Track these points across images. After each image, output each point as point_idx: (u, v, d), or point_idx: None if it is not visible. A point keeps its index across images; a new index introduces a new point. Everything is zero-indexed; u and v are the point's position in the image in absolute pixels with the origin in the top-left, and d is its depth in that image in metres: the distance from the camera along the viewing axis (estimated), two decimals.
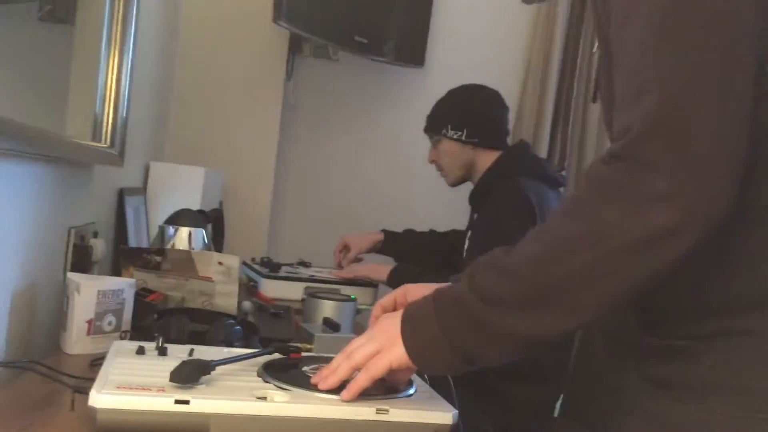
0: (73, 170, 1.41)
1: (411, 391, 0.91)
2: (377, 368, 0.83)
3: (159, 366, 0.88)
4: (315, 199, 2.84)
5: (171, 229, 1.61)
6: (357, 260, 2.22)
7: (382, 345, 0.84)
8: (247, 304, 1.67)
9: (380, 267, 2.05)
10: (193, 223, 1.61)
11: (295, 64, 2.76)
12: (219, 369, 0.90)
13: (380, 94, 2.85)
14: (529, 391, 1.85)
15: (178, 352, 0.97)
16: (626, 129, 0.72)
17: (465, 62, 2.83)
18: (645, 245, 0.70)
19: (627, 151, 0.72)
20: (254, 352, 0.96)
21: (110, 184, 1.73)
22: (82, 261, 1.41)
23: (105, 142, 1.48)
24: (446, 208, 2.42)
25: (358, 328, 1.46)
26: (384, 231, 2.25)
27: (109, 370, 0.86)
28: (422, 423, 0.84)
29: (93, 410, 0.77)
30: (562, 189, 2.05)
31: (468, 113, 2.01)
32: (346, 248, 2.24)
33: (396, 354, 0.82)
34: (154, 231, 1.84)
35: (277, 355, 0.99)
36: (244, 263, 2.19)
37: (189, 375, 0.82)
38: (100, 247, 1.50)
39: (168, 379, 0.82)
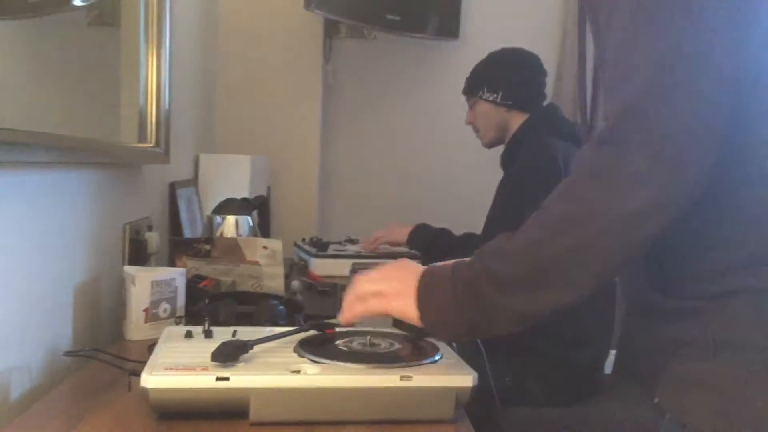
0: (124, 171, 1.51)
1: (437, 358, 0.97)
2: (375, 306, 0.92)
3: (204, 348, 0.97)
4: (361, 176, 2.91)
5: (218, 218, 1.71)
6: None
7: (394, 291, 0.91)
8: (295, 284, 1.76)
9: (400, 228, 2.12)
10: (239, 210, 1.70)
11: (332, 46, 2.82)
12: (258, 347, 0.98)
13: (418, 70, 2.89)
14: (576, 353, 1.88)
15: (223, 335, 1.05)
16: (609, 113, 0.77)
17: (500, 31, 2.83)
18: (628, 223, 0.75)
19: (609, 135, 0.77)
20: (290, 330, 1.04)
21: (161, 179, 1.84)
22: (138, 254, 1.52)
23: (151, 142, 1.58)
24: (487, 176, 2.44)
25: None
26: (415, 228, 2.23)
27: (159, 354, 0.95)
28: (444, 387, 0.90)
29: (145, 390, 0.86)
30: None
31: (503, 76, 2.03)
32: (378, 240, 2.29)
33: (400, 305, 0.90)
34: None
35: (313, 332, 1.07)
36: (295, 244, 2.29)
37: (228, 354, 0.90)
38: (154, 239, 1.60)
39: (210, 359, 0.90)
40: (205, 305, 1.33)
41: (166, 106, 1.62)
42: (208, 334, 1.05)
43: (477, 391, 1.44)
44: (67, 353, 1.09)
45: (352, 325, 1.01)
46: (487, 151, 2.18)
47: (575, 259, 0.78)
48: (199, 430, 0.86)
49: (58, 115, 1.20)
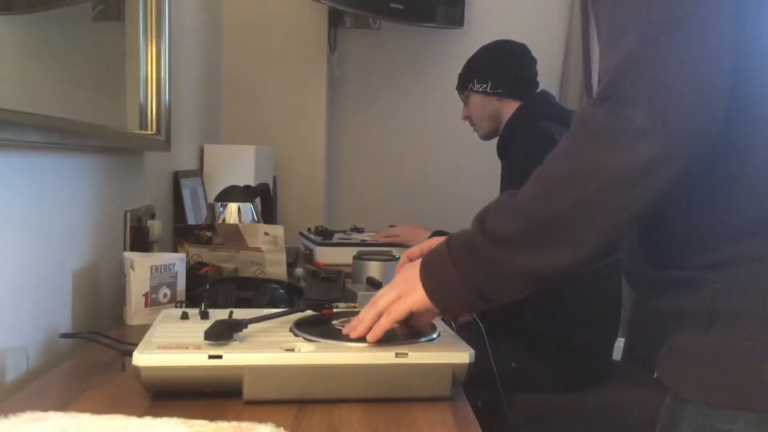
0: (125, 158, 1.51)
1: (434, 336, 0.96)
2: (398, 311, 0.90)
3: (199, 328, 0.96)
4: (367, 166, 2.91)
5: (220, 206, 1.70)
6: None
7: (402, 291, 0.90)
8: (299, 271, 1.76)
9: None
10: (241, 198, 1.69)
11: (337, 36, 2.81)
12: (254, 327, 0.97)
13: (423, 59, 2.88)
14: (583, 338, 1.86)
15: (219, 316, 1.04)
16: (607, 70, 0.75)
17: (505, 18, 2.82)
18: (628, 180, 0.73)
19: (608, 91, 0.75)
20: (286, 310, 1.03)
21: (164, 169, 1.84)
22: (140, 241, 1.51)
23: (151, 130, 1.57)
24: (494, 164, 2.43)
25: None
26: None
27: (153, 334, 0.94)
28: (439, 363, 0.89)
29: (137, 369, 0.85)
30: None
31: (492, 66, 2.05)
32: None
33: (416, 297, 0.88)
34: None
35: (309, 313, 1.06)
36: (300, 233, 2.28)
37: (221, 332, 0.90)
38: (157, 227, 1.60)
39: (204, 337, 0.89)
40: (205, 290, 1.33)
41: (167, 97, 1.62)
42: (204, 316, 1.05)
43: (481, 377, 1.43)
44: (63, 335, 1.09)
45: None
46: (492, 140, 2.17)
47: (578, 215, 0.76)
48: (192, 409, 0.85)
49: (64, 105, 1.20)
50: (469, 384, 0.94)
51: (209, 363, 0.86)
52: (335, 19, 2.75)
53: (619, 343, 2.10)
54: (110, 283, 1.38)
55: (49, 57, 1.19)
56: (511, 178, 1.95)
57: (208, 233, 1.55)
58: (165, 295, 1.31)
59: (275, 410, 0.85)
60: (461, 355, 0.90)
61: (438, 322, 1.04)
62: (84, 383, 0.94)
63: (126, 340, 1.09)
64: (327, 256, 2.02)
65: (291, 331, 0.97)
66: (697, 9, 0.72)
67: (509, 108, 2.02)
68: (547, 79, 2.25)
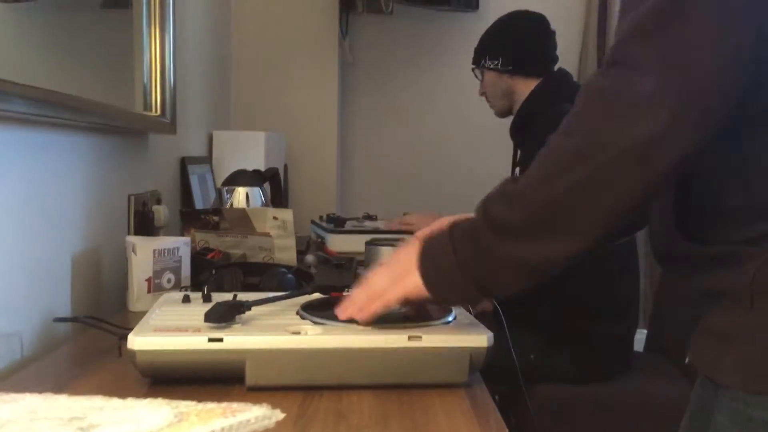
0: (128, 139, 1.46)
1: (449, 319, 0.90)
2: (391, 296, 0.82)
3: (201, 312, 0.90)
4: (382, 152, 2.85)
5: (227, 191, 1.65)
6: None
7: (397, 274, 0.83)
8: (310, 258, 1.70)
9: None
10: (249, 182, 1.64)
11: (349, 21, 2.75)
12: (259, 311, 0.92)
13: (437, 43, 2.81)
14: (604, 329, 1.79)
15: (222, 299, 0.99)
16: (619, 35, 0.69)
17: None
18: (642, 150, 0.66)
19: (619, 56, 0.69)
20: (293, 292, 0.97)
21: (171, 154, 1.79)
22: (144, 226, 1.46)
23: (155, 111, 1.52)
24: (510, 149, 2.36)
25: None
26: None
27: (151, 317, 0.89)
28: (457, 347, 0.83)
29: (132, 353, 0.80)
30: None
31: (502, 41, 1.97)
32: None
33: (410, 283, 0.81)
34: None
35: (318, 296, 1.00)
36: (312, 222, 2.23)
37: (223, 314, 0.84)
38: (163, 213, 1.55)
39: (204, 319, 0.84)
40: (211, 275, 1.28)
41: (171, 79, 1.57)
42: (207, 299, 0.99)
43: (498, 369, 1.37)
44: (57, 319, 1.04)
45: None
46: (508, 123, 2.10)
47: (585, 196, 0.69)
48: (191, 396, 0.79)
49: (72, 90, 1.16)
50: (486, 377, 0.88)
51: (209, 346, 0.80)
52: (347, 4, 2.69)
53: (641, 335, 2.04)
54: (113, 268, 1.33)
55: (59, 45, 1.18)
56: (526, 168, 1.88)
57: (215, 218, 1.50)
58: (169, 281, 1.25)
59: (280, 397, 0.79)
60: (479, 338, 0.84)
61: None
62: (78, 369, 0.89)
63: (127, 326, 1.04)
64: (339, 243, 1.96)
65: (298, 314, 0.91)
66: None
67: (524, 86, 1.94)
68: (565, 57, 2.16)
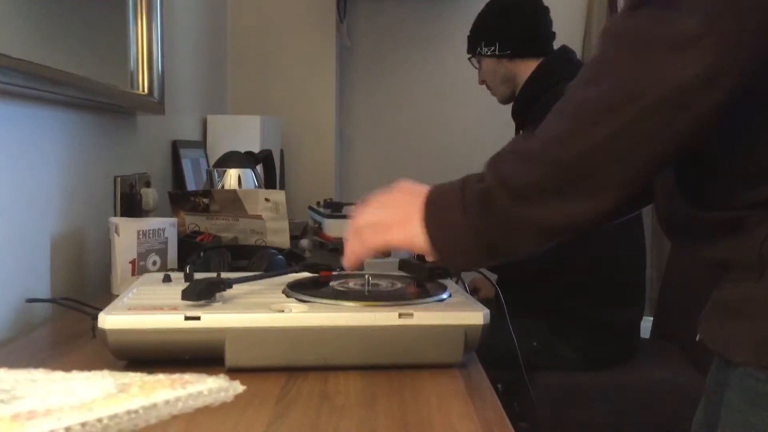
0: (116, 119, 1.41)
1: (443, 296, 0.85)
2: (393, 236, 0.76)
3: (181, 291, 0.86)
4: (381, 137, 2.79)
5: (218, 172, 1.60)
6: None
7: (395, 218, 0.76)
8: (304, 242, 1.65)
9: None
10: (241, 164, 1.58)
11: (347, 5, 2.69)
12: (242, 289, 0.87)
13: (437, 26, 2.75)
14: (609, 315, 1.74)
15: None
16: None
17: None
18: (677, 98, 0.60)
19: None
20: (278, 271, 0.92)
21: (161, 136, 1.73)
22: (131, 209, 1.41)
23: (142, 90, 1.47)
24: (510, 132, 2.31)
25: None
26: None
27: (127, 296, 0.84)
28: (450, 325, 0.78)
29: (103, 333, 0.75)
30: None
31: (495, 26, 1.91)
32: None
33: (408, 233, 0.74)
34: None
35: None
36: (310, 207, 2.18)
37: (201, 292, 0.79)
38: (152, 196, 1.50)
39: (181, 297, 0.79)
40: (198, 257, 1.23)
41: (159, 57, 1.52)
42: (189, 279, 0.94)
43: (500, 357, 1.32)
44: (30, 300, 0.99)
45: (359, 268, 0.85)
46: (508, 108, 2.04)
47: (616, 150, 0.63)
48: None
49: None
50: (488, 365, 0.82)
51: (186, 325, 0.75)
52: None
53: (647, 322, 1.98)
54: (97, 251, 1.28)
55: (51, 27, 1.14)
56: None
57: (205, 200, 1.45)
58: (154, 263, 1.20)
59: (261, 378, 0.74)
60: (475, 315, 0.78)
61: (449, 283, 0.92)
62: (50, 351, 0.84)
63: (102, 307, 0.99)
64: (336, 229, 1.90)
65: (284, 292, 0.86)
66: None
67: (525, 68, 1.88)
68: (568, 33, 2.10)
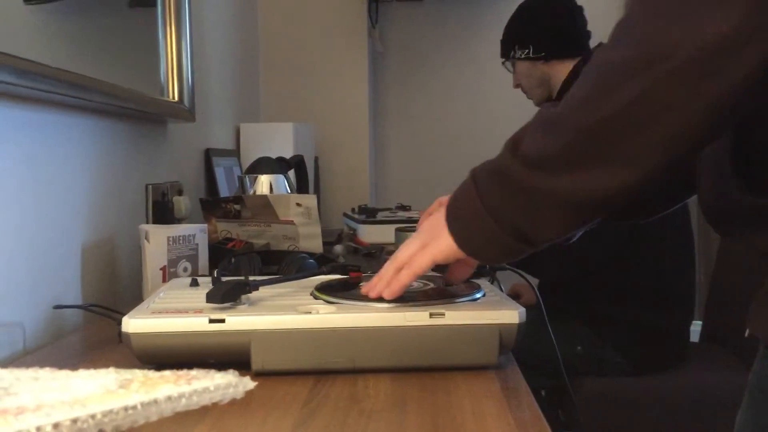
0: (146, 126, 1.41)
1: (477, 296, 0.81)
2: (420, 263, 0.74)
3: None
4: (416, 143, 2.77)
5: (249, 178, 1.59)
6: None
7: (426, 239, 0.75)
8: (338, 248, 1.63)
9: None
10: (273, 170, 1.57)
11: (379, 10, 2.68)
12: (270, 291, 0.85)
13: (469, 29, 2.71)
14: (657, 318, 1.68)
15: None
16: None
17: None
18: (708, 59, 0.55)
19: None
20: (306, 273, 0.90)
21: (193, 144, 1.73)
22: (163, 217, 1.41)
23: (173, 97, 1.47)
24: None
25: None
26: None
27: (153, 300, 0.82)
28: (484, 324, 0.74)
29: (127, 336, 0.73)
30: None
31: (529, 29, 1.87)
32: None
33: (440, 246, 0.72)
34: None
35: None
36: (344, 214, 2.16)
37: (226, 294, 0.77)
38: (184, 204, 1.49)
39: (206, 300, 0.77)
40: (229, 263, 1.21)
41: (188, 64, 1.52)
42: (216, 283, 0.92)
43: (544, 364, 1.27)
44: (57, 306, 0.98)
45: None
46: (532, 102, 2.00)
47: (641, 114, 0.58)
48: None
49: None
50: (531, 372, 0.79)
51: (211, 328, 0.73)
52: None
53: (696, 327, 1.91)
54: (130, 259, 1.27)
55: (88, 43, 1.19)
56: None
57: (236, 206, 1.43)
58: (185, 269, 1.19)
59: (289, 382, 0.71)
60: (510, 314, 0.75)
61: (484, 283, 0.89)
62: (78, 358, 0.83)
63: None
64: (370, 234, 1.88)
65: (312, 294, 0.84)
66: None
67: (561, 69, 1.84)
68: (605, 30, 2.05)
